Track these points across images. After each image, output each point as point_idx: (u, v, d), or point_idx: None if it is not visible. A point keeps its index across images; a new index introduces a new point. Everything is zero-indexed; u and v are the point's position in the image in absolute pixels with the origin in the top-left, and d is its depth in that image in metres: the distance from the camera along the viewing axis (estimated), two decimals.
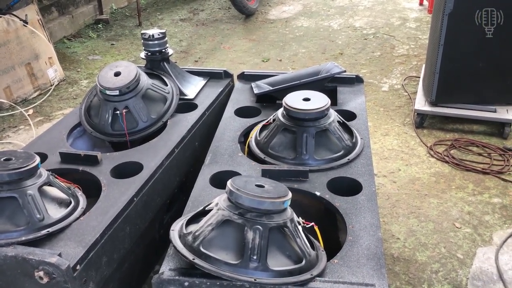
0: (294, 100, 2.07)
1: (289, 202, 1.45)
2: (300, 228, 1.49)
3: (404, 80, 4.49)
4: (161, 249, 2.30)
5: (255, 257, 1.34)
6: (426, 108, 3.62)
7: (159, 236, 2.20)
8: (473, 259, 2.41)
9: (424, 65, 4.08)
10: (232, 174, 1.93)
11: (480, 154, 3.30)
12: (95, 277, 1.61)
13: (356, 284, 1.38)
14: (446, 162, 3.22)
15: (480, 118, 3.54)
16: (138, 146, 2.17)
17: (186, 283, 1.39)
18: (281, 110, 2.11)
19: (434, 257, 2.43)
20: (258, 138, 2.11)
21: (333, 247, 1.63)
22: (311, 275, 1.38)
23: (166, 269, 1.43)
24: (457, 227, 2.63)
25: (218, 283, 1.37)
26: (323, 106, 2.01)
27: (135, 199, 1.83)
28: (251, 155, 2.08)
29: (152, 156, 2.07)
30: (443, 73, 3.46)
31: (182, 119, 2.38)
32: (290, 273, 1.37)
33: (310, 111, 1.99)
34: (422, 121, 3.66)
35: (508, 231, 2.59)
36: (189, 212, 1.67)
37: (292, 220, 1.45)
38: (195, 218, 1.55)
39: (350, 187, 1.87)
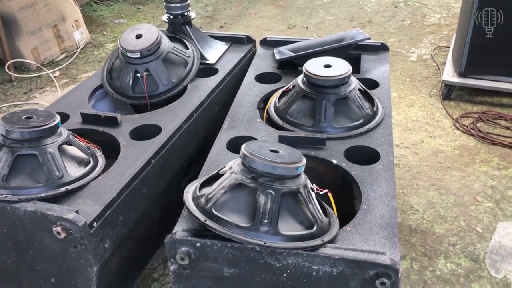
0: (315, 66, 2.03)
1: (303, 168, 1.44)
2: (313, 194, 1.49)
3: (434, 50, 4.35)
4: (178, 212, 2.34)
5: (266, 221, 1.34)
6: (455, 79, 3.52)
7: (176, 199, 2.23)
8: (493, 233, 2.37)
9: (455, 35, 3.94)
10: (249, 139, 1.91)
11: (508, 128, 3.21)
12: (111, 234, 1.65)
13: (367, 252, 1.37)
14: (472, 135, 3.14)
15: (510, 90, 3.42)
16: (159, 109, 2.18)
17: (198, 244, 1.41)
18: (301, 76, 2.08)
19: (452, 230, 2.41)
20: (277, 105, 2.09)
21: (348, 216, 1.63)
22: (322, 241, 1.38)
23: (179, 229, 1.46)
24: (478, 201, 2.58)
25: (229, 245, 1.39)
26: (344, 73, 1.97)
27: (152, 161, 1.85)
28: (270, 121, 2.07)
29: (171, 119, 2.08)
30: (474, 43, 3.33)
31: (202, 84, 2.38)
32: (301, 238, 1.38)
33: (330, 78, 1.95)
34: (449, 92, 3.56)
35: None
36: (204, 175, 1.69)
37: (305, 186, 1.45)
38: (209, 181, 1.56)
39: (367, 156, 1.84)
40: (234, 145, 1.91)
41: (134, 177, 1.75)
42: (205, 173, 1.73)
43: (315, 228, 1.40)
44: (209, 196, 1.42)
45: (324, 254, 1.36)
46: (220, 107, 2.41)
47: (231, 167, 1.47)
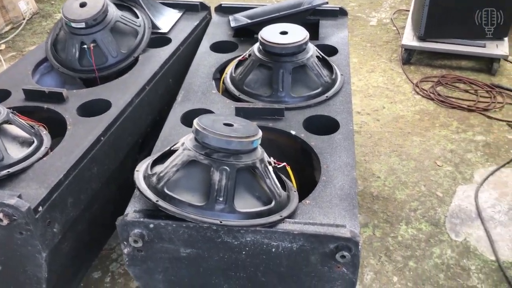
0: (271, 33, 1.94)
1: (259, 142, 1.38)
2: (270, 168, 1.43)
3: (394, 14, 4.32)
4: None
5: (221, 199, 1.28)
6: (414, 43, 3.50)
7: (132, 176, 2.14)
8: (453, 197, 2.40)
9: None
10: (205, 112, 1.84)
11: (466, 91, 3.23)
12: (60, 218, 1.56)
13: (326, 225, 1.34)
14: (432, 99, 3.15)
15: (468, 53, 3.43)
16: (108, 82, 2.06)
17: (151, 225, 1.34)
18: (257, 44, 1.99)
19: (413, 195, 2.42)
20: (234, 75, 2.00)
21: (310, 188, 1.59)
22: (281, 216, 1.33)
23: (131, 210, 1.38)
24: (438, 166, 2.60)
25: (184, 225, 1.32)
26: (301, 40, 1.89)
27: (102, 138, 1.75)
28: (226, 92, 1.98)
29: (121, 93, 1.96)
30: (433, 5, 3.30)
31: (154, 54, 2.26)
32: (258, 214, 1.32)
33: (287, 45, 1.88)
34: (409, 57, 3.54)
35: (490, 169, 2.57)
36: (157, 152, 1.60)
37: (262, 160, 1.39)
38: (162, 159, 1.47)
39: (327, 126, 1.79)
40: (189, 119, 1.82)
41: (82, 156, 1.64)
42: (159, 149, 1.65)
43: (273, 203, 1.35)
44: (161, 174, 1.34)
45: (282, 230, 1.31)
46: (174, 79, 2.31)
47: (184, 143, 1.39)
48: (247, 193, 1.37)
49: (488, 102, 3.10)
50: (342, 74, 2.04)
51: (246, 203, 1.34)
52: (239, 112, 1.79)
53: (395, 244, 2.16)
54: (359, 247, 1.30)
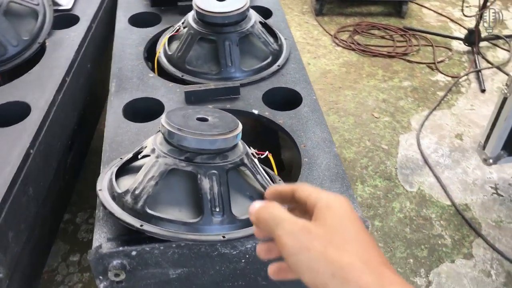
0: (206, 2, 1.71)
1: (240, 135, 1.20)
2: (256, 161, 1.26)
3: None
4: (67, 195, 1.96)
5: (217, 209, 1.09)
6: None
7: (65, 183, 1.84)
8: (397, 148, 2.42)
9: None
10: (149, 101, 1.59)
11: (382, 37, 3.25)
12: (5, 260, 1.27)
13: None
14: (353, 49, 3.12)
15: None
16: (16, 79, 1.70)
17: (134, 252, 1.12)
18: (191, 15, 1.75)
19: (360, 152, 2.39)
20: (169, 53, 1.75)
21: (285, 173, 1.45)
22: None
23: (103, 240, 1.14)
24: (376, 117, 2.60)
25: (173, 245, 1.12)
26: (243, 6, 1.69)
27: (31, 151, 1.44)
28: (165, 74, 1.73)
29: (39, 91, 1.63)
30: None
31: (64, 38, 1.91)
32: None
33: (230, 13, 1.66)
34: (321, 7, 3.47)
35: (423, 113, 2.63)
36: (109, 158, 1.35)
37: (247, 154, 1.21)
38: (125, 169, 1.23)
39: (288, 99, 1.65)
40: (132, 112, 1.57)
41: (13, 179, 1.33)
42: (109, 154, 1.38)
43: None
44: (136, 192, 1.11)
45: None
46: (93, 64, 1.99)
47: (154, 149, 1.16)
48: (239, 195, 1.19)
49: (405, 46, 3.15)
50: (286, 38, 1.89)
51: (242, 208, 1.16)
52: (190, 97, 1.57)
53: (356, 206, 2.12)
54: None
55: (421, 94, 2.76)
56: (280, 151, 1.72)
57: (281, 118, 1.54)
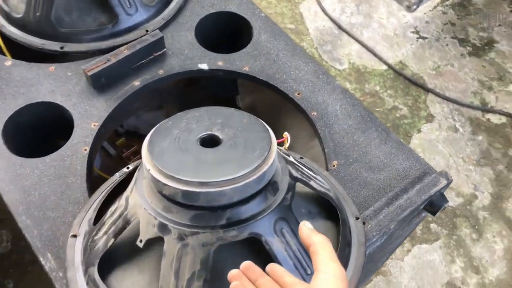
0: None
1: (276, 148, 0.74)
2: (300, 164, 0.82)
3: None
4: None
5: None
6: None
7: None
8: (305, 22, 2.06)
9: None
10: (35, 109, 0.97)
11: None
12: None
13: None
14: None
15: None
16: None
17: None
18: None
19: None
20: (16, 15, 1.07)
21: None
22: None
23: None
24: None
25: None
26: None
27: None
28: (25, 52, 1.07)
29: None
30: None
31: None
32: None
33: None
34: None
35: None
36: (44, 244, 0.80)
37: (291, 163, 0.77)
38: (112, 260, 0.72)
39: (230, 28, 1.16)
40: (17, 139, 0.95)
41: None
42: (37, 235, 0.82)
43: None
44: None
45: None
46: None
47: (164, 224, 0.65)
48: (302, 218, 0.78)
49: None
50: None
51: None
52: (99, 80, 0.99)
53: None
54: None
55: None
56: (235, 98, 1.27)
57: (240, 61, 1.06)
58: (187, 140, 0.68)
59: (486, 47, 2.02)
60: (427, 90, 1.87)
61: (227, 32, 1.16)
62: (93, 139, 0.92)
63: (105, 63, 0.98)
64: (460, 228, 1.60)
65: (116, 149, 1.34)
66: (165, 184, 0.62)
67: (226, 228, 0.64)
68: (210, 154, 0.66)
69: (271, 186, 0.68)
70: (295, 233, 0.68)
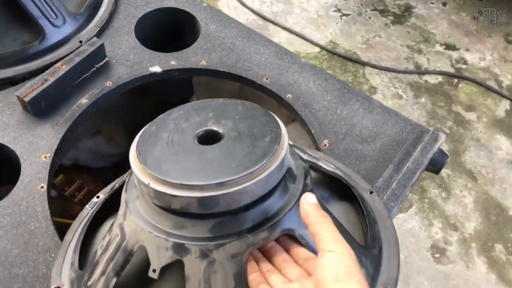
0: None
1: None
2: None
3: None
4: None
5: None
6: None
7: None
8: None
9: None
10: None
11: None
12: None
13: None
14: None
15: None
16: None
17: None
18: None
19: None
20: None
21: None
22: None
23: None
24: None
25: None
26: None
27: None
28: None
29: None
30: None
31: None
32: None
33: None
34: None
35: None
36: None
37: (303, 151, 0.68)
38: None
39: (173, 25, 1.04)
40: None
41: None
42: None
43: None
44: None
45: None
46: None
47: (181, 245, 0.53)
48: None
49: None
50: None
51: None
52: (38, 104, 0.84)
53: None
54: None
55: None
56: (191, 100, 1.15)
57: (195, 57, 0.96)
58: (182, 141, 0.57)
59: (406, 14, 2.07)
60: (363, 64, 1.87)
61: (171, 29, 1.05)
62: (48, 174, 0.77)
63: (43, 83, 0.83)
64: (429, 190, 1.60)
65: (56, 189, 1.16)
66: (174, 196, 0.51)
67: (254, 231, 0.54)
68: (216, 151, 0.55)
69: (288, 173, 0.59)
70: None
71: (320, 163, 0.70)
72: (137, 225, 0.56)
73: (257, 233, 0.53)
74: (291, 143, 0.71)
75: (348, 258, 0.46)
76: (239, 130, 0.58)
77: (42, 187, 0.76)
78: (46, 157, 0.79)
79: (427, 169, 0.85)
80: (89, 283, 0.59)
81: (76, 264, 0.63)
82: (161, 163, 0.53)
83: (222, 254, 0.52)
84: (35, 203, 0.74)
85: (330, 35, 1.95)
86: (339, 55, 1.87)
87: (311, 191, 0.60)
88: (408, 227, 1.51)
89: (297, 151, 0.65)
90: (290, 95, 0.91)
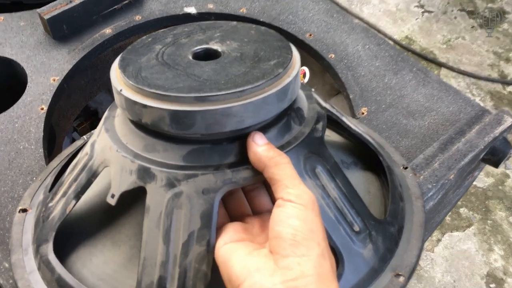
0: None
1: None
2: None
3: None
4: None
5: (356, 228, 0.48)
6: None
7: None
8: None
9: None
10: None
11: None
12: None
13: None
14: None
15: None
16: None
17: None
18: None
19: None
20: None
21: None
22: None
23: None
24: None
25: None
26: None
27: None
28: None
29: None
30: None
31: None
32: None
33: None
34: None
35: None
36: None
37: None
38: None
39: None
40: None
41: None
42: None
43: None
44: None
45: None
46: None
47: (146, 169, 0.44)
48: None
49: None
50: None
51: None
52: (60, 26, 0.78)
53: None
54: None
55: None
56: None
57: (236, 3, 0.87)
58: (174, 54, 0.48)
59: (497, 18, 1.86)
60: (440, 65, 1.69)
61: None
62: (52, 96, 0.71)
63: (66, 4, 0.78)
64: (494, 212, 1.40)
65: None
66: (144, 106, 0.42)
67: (235, 168, 0.43)
68: (208, 67, 0.45)
69: (294, 112, 0.48)
70: (332, 174, 0.47)
71: (343, 119, 0.58)
72: (106, 143, 0.47)
73: (238, 170, 0.43)
74: (311, 88, 0.59)
75: (310, 213, 0.37)
76: (242, 51, 0.48)
77: (42, 109, 0.70)
78: (54, 80, 0.73)
79: (484, 158, 0.70)
80: (50, 204, 0.52)
81: (49, 187, 0.56)
82: (142, 71, 0.45)
83: (191, 187, 0.42)
84: (30, 123, 0.68)
85: (407, 30, 1.79)
86: (414, 52, 1.71)
87: (322, 138, 0.48)
88: (463, 248, 1.32)
89: (316, 97, 0.54)
90: (333, 55, 0.79)
